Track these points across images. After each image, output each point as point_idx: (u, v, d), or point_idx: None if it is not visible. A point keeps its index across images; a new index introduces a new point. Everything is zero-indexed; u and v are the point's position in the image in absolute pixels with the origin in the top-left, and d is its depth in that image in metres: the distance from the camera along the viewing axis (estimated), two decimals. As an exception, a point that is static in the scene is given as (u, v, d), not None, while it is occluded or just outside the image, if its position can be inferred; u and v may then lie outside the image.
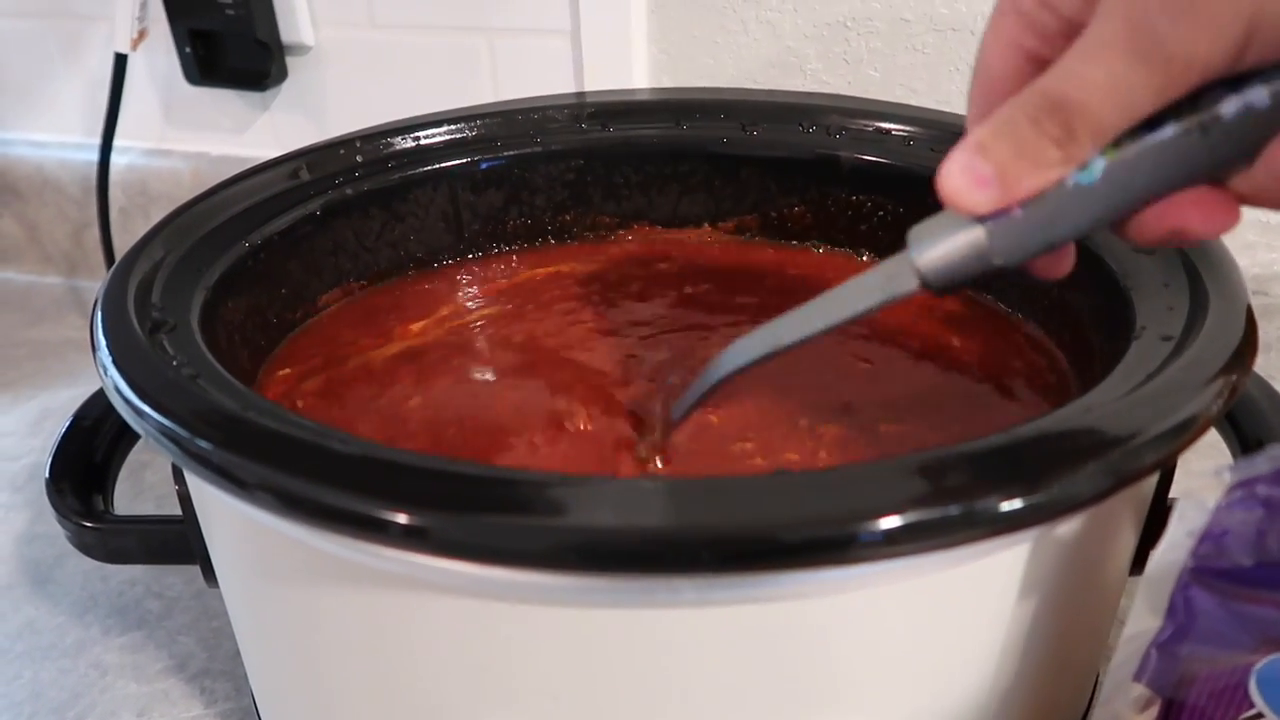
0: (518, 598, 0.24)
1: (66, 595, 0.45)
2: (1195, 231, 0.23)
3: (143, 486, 0.51)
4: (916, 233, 0.24)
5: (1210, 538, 0.24)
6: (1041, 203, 0.22)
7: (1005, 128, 0.22)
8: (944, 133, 0.41)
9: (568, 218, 0.44)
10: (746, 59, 0.56)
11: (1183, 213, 0.22)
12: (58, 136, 0.70)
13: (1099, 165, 0.22)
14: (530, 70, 0.59)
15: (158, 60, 0.65)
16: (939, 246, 0.24)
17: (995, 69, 0.24)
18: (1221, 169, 0.22)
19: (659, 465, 0.31)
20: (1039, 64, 0.22)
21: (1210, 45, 0.20)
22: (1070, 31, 0.22)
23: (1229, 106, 0.21)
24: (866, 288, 0.26)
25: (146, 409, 0.25)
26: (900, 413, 0.33)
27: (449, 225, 0.43)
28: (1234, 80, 0.21)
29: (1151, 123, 0.21)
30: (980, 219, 0.23)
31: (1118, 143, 0.22)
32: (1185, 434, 0.24)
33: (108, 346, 0.28)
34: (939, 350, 0.36)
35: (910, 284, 0.25)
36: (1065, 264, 0.25)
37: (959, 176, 0.22)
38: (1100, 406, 0.25)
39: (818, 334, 0.26)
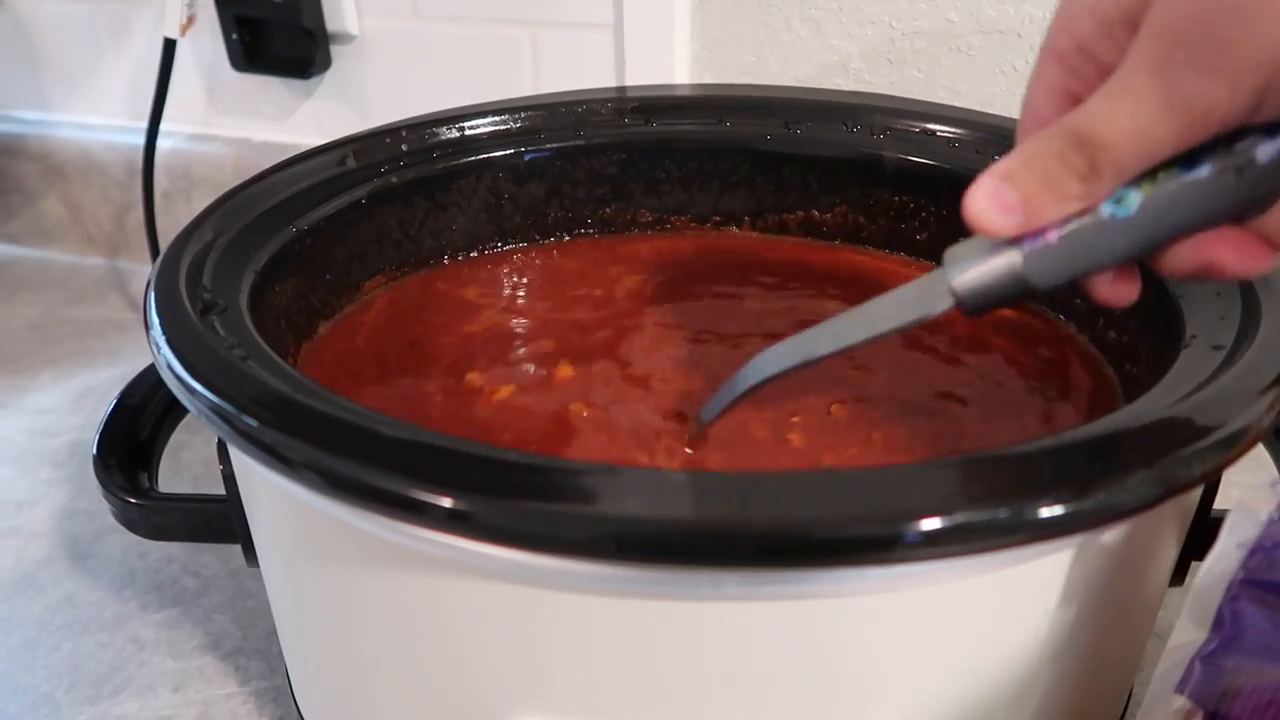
0: (558, 585, 0.24)
1: (105, 570, 0.45)
2: (1229, 268, 0.23)
3: (180, 466, 0.52)
4: (953, 253, 0.25)
5: (1261, 550, 0.24)
6: (1078, 231, 0.23)
7: (1033, 159, 0.23)
8: (990, 135, 0.41)
9: (608, 211, 0.44)
10: (789, 57, 0.56)
11: (1216, 249, 0.23)
12: (104, 119, 0.72)
13: (1134, 199, 0.23)
14: (572, 64, 0.59)
15: (204, 46, 0.66)
16: (976, 268, 0.24)
17: (1040, 108, 0.25)
18: (1250, 210, 0.23)
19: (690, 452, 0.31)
20: (1078, 104, 0.23)
21: (1230, 96, 0.21)
22: (1106, 76, 0.23)
23: (1264, 151, 0.22)
24: (902, 304, 0.26)
25: (199, 388, 0.26)
26: (939, 411, 0.33)
27: (491, 216, 0.43)
28: (1269, 127, 0.22)
29: (1188, 162, 0.22)
30: (1014, 243, 0.24)
31: (1154, 178, 0.22)
32: (1235, 446, 0.24)
33: (161, 326, 0.28)
34: (982, 350, 0.36)
35: (945, 303, 0.25)
36: (1131, 291, 0.25)
37: (985, 201, 0.23)
38: (1149, 415, 0.25)
39: (851, 347, 0.27)
